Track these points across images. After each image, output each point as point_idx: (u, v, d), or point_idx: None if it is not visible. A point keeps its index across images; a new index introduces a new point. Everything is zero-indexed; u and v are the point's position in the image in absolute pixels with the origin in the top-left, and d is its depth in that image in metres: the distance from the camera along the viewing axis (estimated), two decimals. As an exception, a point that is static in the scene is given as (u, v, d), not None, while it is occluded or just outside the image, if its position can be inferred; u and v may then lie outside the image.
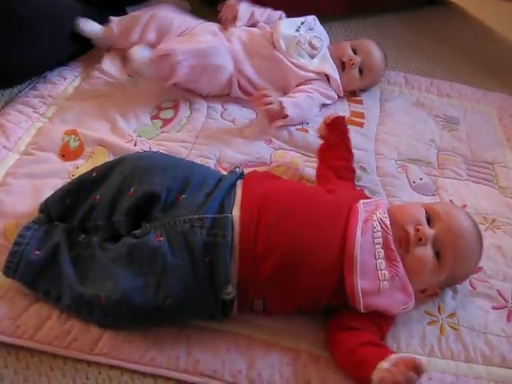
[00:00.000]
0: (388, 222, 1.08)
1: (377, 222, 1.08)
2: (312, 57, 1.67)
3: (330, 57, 1.70)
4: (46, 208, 1.14)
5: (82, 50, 1.72)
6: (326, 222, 1.08)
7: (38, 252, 1.05)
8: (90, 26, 1.63)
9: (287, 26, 1.66)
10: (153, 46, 1.61)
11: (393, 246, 1.06)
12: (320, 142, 1.43)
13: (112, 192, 1.09)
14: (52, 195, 1.16)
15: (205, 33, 1.64)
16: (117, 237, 1.07)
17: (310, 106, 1.60)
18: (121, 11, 1.83)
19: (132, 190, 1.08)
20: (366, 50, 1.74)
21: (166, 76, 1.54)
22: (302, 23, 1.69)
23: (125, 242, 1.04)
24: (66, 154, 1.35)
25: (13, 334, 1.00)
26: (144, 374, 1.00)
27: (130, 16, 1.69)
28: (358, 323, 1.04)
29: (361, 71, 1.73)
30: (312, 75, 1.66)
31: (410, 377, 0.92)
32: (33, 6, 1.48)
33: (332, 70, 1.68)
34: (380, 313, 1.05)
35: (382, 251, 1.06)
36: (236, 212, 1.05)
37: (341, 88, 1.70)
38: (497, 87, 1.99)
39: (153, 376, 1.00)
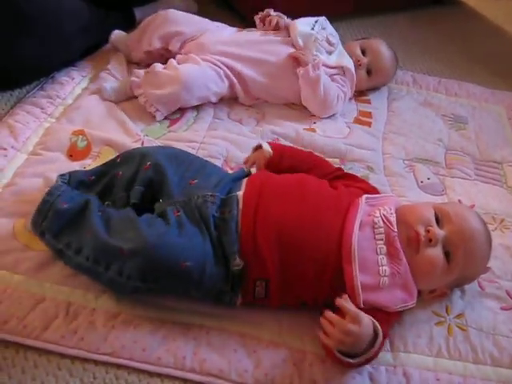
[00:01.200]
0: (392, 219, 1.08)
1: (379, 218, 1.08)
2: (330, 53, 1.67)
3: (345, 52, 1.70)
4: (68, 176, 1.18)
5: (90, 51, 1.72)
6: (324, 210, 1.10)
7: (66, 205, 1.08)
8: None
9: (303, 25, 1.65)
10: (159, 52, 1.66)
11: (397, 244, 1.06)
12: (327, 141, 1.42)
13: (133, 169, 1.16)
14: (76, 171, 1.22)
15: (200, 50, 1.63)
16: None
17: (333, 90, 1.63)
18: (127, 12, 1.84)
19: (148, 163, 1.15)
20: (375, 51, 1.74)
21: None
22: (316, 22, 1.69)
23: (152, 215, 1.09)
24: (74, 154, 1.36)
25: (20, 334, 1.00)
26: (151, 374, 1.00)
27: (139, 28, 1.71)
28: None
29: (369, 71, 1.72)
30: (331, 71, 1.66)
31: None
32: (39, 7, 1.49)
33: (350, 64, 1.68)
34: (381, 311, 1.05)
35: (385, 247, 1.06)
36: (241, 193, 1.12)
37: (354, 82, 1.70)
38: (505, 86, 1.99)
39: (159, 375, 1.00)
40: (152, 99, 1.50)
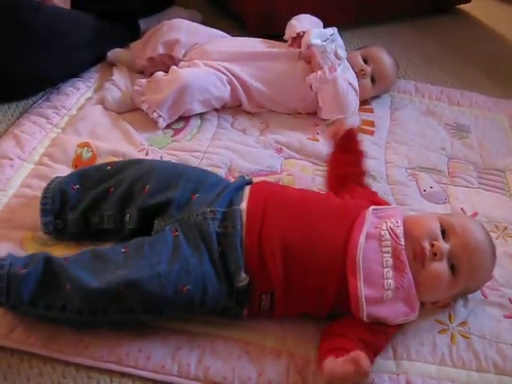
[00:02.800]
0: (399, 232, 1.08)
1: (386, 231, 1.08)
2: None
3: (349, 66, 1.70)
4: (51, 192, 1.17)
5: (95, 62, 1.74)
6: (330, 221, 1.10)
7: (24, 269, 0.99)
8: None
9: (316, 36, 1.65)
10: (162, 60, 1.67)
11: (403, 257, 1.06)
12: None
13: (126, 186, 1.14)
14: (59, 180, 1.20)
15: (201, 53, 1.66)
16: (115, 231, 1.14)
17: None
18: (132, 23, 1.86)
19: (147, 187, 1.13)
20: (377, 58, 1.74)
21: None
22: (331, 35, 1.68)
23: (140, 239, 1.07)
24: (79, 164, 1.36)
25: (25, 342, 1.01)
26: (155, 382, 1.00)
27: (144, 36, 1.74)
28: (350, 330, 1.04)
29: (373, 80, 1.73)
30: None
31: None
32: (45, 18, 1.51)
33: (353, 79, 1.68)
34: (380, 323, 1.05)
35: (391, 260, 1.06)
36: (244, 205, 1.10)
37: (358, 96, 1.70)
38: (508, 95, 1.99)
39: (164, 383, 1.00)
40: (154, 104, 1.51)
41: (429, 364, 1.09)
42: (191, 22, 1.76)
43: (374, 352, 1.04)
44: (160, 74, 1.56)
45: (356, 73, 1.70)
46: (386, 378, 1.05)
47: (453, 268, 1.08)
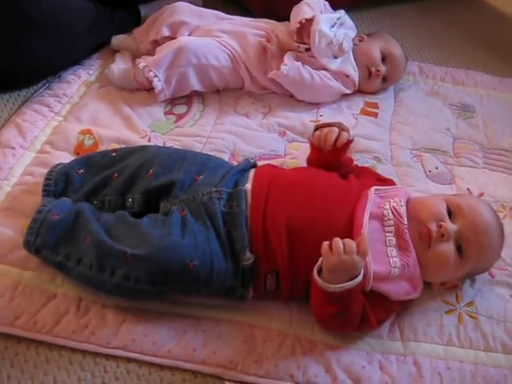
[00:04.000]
0: (402, 211, 1.08)
1: (389, 211, 1.08)
2: (336, 57, 1.64)
3: (352, 58, 1.67)
4: (55, 174, 1.18)
5: (96, 49, 1.73)
6: (334, 201, 1.10)
7: (58, 216, 1.07)
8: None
9: (325, 23, 1.61)
10: (168, 41, 1.63)
11: (406, 236, 1.06)
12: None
13: (131, 171, 1.16)
14: (64, 165, 1.22)
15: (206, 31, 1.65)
16: None
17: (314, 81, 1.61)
18: (133, 9, 1.84)
19: (151, 171, 1.14)
20: (394, 58, 1.70)
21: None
22: (338, 19, 1.66)
23: (153, 215, 1.09)
24: (81, 152, 1.36)
25: (31, 329, 1.01)
26: (161, 367, 1.01)
27: (147, 20, 1.73)
28: None
29: (384, 78, 1.71)
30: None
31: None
32: (46, 7, 1.49)
33: (353, 71, 1.66)
34: (380, 296, 1.05)
35: (394, 239, 1.06)
36: (248, 186, 1.11)
37: (356, 87, 1.69)
38: (513, 74, 1.97)
39: (170, 368, 1.01)
40: (151, 63, 1.52)
41: (436, 344, 1.09)
42: (193, 6, 1.75)
43: (373, 315, 1.04)
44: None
45: (369, 69, 1.67)
46: (393, 359, 1.06)
47: (460, 249, 1.08)
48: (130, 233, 1.04)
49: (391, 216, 1.07)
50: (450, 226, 1.07)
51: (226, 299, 1.08)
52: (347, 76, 1.66)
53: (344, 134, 1.21)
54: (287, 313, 1.10)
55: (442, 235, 1.06)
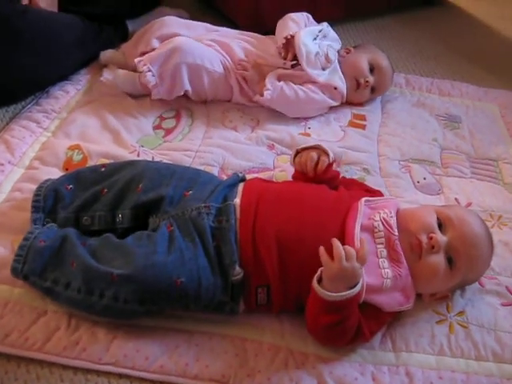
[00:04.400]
0: (392, 222, 1.09)
1: (379, 222, 1.08)
2: (324, 68, 1.65)
3: (339, 69, 1.69)
4: (44, 190, 1.18)
5: (84, 64, 1.73)
6: (323, 214, 1.10)
7: (44, 242, 1.07)
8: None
9: (307, 36, 1.63)
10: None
11: (397, 247, 1.07)
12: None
13: (120, 186, 1.16)
14: (53, 181, 1.22)
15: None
16: (105, 233, 1.12)
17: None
18: (121, 25, 1.85)
19: (140, 186, 1.14)
20: (381, 69, 1.72)
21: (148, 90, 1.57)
22: (320, 31, 1.67)
23: (139, 232, 1.08)
24: (70, 167, 1.35)
25: (22, 347, 1.00)
26: (153, 382, 1.00)
27: (136, 34, 1.74)
28: None
29: (372, 89, 1.73)
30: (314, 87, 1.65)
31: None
32: (33, 22, 1.50)
33: (340, 83, 1.67)
34: (373, 308, 1.05)
35: (385, 251, 1.06)
36: (237, 200, 1.11)
37: (344, 99, 1.70)
38: (498, 84, 1.99)
39: (162, 383, 1.00)
40: (146, 59, 1.53)
41: (428, 355, 1.09)
42: (181, 19, 1.76)
43: (367, 326, 1.05)
44: None
45: (357, 80, 1.69)
46: (385, 369, 1.06)
47: (450, 260, 1.08)
48: (114, 254, 1.03)
49: (381, 228, 1.08)
50: (441, 238, 1.07)
51: (216, 314, 1.08)
52: (335, 88, 1.66)
53: (323, 159, 1.23)
54: (279, 326, 1.09)
55: (433, 247, 1.06)
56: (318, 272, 1.01)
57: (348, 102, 1.73)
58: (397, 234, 1.08)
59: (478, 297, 1.20)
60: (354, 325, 1.03)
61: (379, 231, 1.08)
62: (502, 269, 1.26)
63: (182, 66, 1.54)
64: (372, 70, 1.71)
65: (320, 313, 1.01)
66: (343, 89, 1.68)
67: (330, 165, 1.24)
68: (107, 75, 1.65)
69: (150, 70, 1.52)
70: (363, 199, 1.13)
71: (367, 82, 1.69)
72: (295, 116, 1.64)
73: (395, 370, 1.06)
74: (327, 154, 1.24)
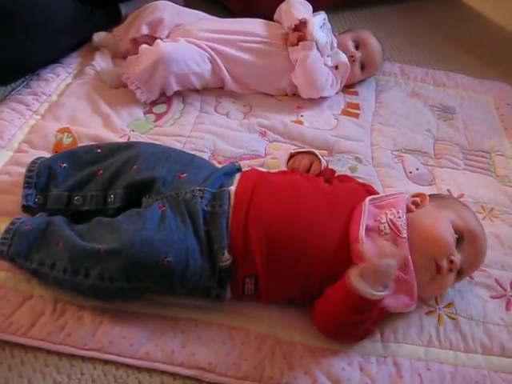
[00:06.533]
0: (400, 224, 1.06)
1: (385, 224, 1.07)
2: (328, 55, 1.65)
3: (339, 49, 1.69)
4: (37, 167, 1.18)
5: (75, 47, 1.71)
6: (320, 210, 1.09)
7: (30, 226, 1.07)
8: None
9: (317, 25, 1.62)
10: (146, 41, 1.62)
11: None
12: (314, 133, 1.42)
13: (114, 168, 1.15)
14: (47, 158, 1.21)
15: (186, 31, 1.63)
16: (96, 213, 1.12)
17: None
18: (113, 8, 1.83)
19: (135, 167, 1.13)
20: (367, 44, 1.73)
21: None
22: (324, 19, 1.67)
23: (129, 211, 1.08)
24: (59, 150, 1.32)
25: (6, 331, 0.99)
26: (139, 369, 0.99)
27: (128, 18, 1.71)
28: None
29: (362, 66, 1.72)
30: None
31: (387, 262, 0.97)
32: (23, 3, 1.47)
33: (345, 59, 1.68)
34: (380, 310, 1.05)
35: None
36: (233, 188, 1.10)
37: (347, 76, 1.70)
38: (493, 76, 1.99)
39: (148, 370, 0.99)
40: (133, 76, 1.50)
41: (416, 346, 1.09)
42: (174, 4, 1.73)
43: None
44: (145, 46, 1.55)
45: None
46: (373, 360, 1.05)
47: (459, 273, 1.09)
48: (103, 231, 1.03)
49: (388, 230, 1.06)
50: (459, 259, 1.07)
51: (203, 300, 1.07)
52: (336, 68, 1.67)
53: (315, 167, 1.24)
54: (267, 314, 1.09)
55: (451, 269, 1.06)
56: (354, 268, 0.98)
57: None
58: (404, 236, 1.06)
59: (468, 289, 1.20)
60: (371, 326, 1.04)
61: (385, 234, 1.06)
62: (492, 261, 1.26)
63: (169, 77, 1.51)
64: (357, 47, 1.72)
65: (349, 311, 0.99)
66: (347, 61, 1.67)
67: (321, 172, 1.24)
68: (97, 64, 1.63)
69: (138, 87, 1.51)
70: (367, 198, 1.11)
71: (353, 56, 1.69)
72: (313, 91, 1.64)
73: (383, 361, 1.05)
74: (320, 161, 1.24)
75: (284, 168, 1.32)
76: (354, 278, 0.97)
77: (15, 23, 1.45)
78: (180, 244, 1.01)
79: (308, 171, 1.24)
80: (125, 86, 1.56)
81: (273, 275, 1.04)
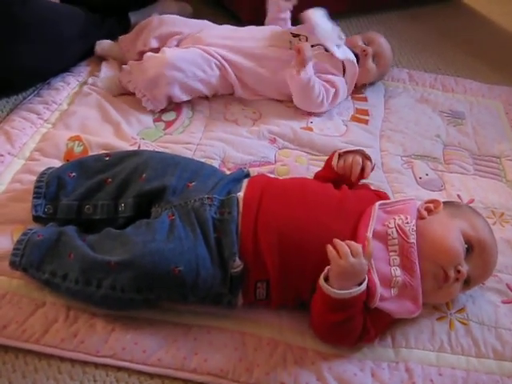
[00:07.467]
0: (408, 229, 1.06)
1: (393, 229, 1.07)
2: (338, 46, 1.66)
3: (347, 48, 1.70)
4: (47, 177, 1.19)
5: (86, 56, 1.72)
6: (329, 214, 1.09)
7: (42, 236, 1.08)
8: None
9: (319, 13, 1.65)
10: (155, 51, 1.62)
11: (412, 256, 1.05)
12: (324, 140, 1.41)
13: (124, 177, 1.15)
14: (56, 168, 1.22)
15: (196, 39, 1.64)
16: (107, 222, 1.13)
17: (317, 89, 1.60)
18: (123, 17, 1.84)
19: (144, 175, 1.14)
20: (376, 41, 1.74)
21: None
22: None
23: (139, 220, 1.08)
24: (70, 158, 1.34)
25: (19, 338, 1.00)
26: (151, 375, 0.99)
27: (134, 29, 1.72)
28: None
29: (374, 59, 1.73)
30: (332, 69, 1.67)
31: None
32: (35, 12, 1.49)
33: (353, 59, 1.68)
34: (384, 315, 1.05)
35: (398, 258, 1.05)
36: (241, 194, 1.11)
37: (355, 78, 1.70)
38: (502, 81, 1.99)
39: (160, 377, 0.99)
40: (140, 85, 1.52)
41: (428, 351, 1.09)
42: (182, 17, 1.74)
43: (373, 328, 1.04)
44: (150, 53, 1.56)
45: (357, 55, 1.70)
46: (385, 366, 1.05)
47: (466, 282, 1.09)
48: (114, 244, 1.04)
49: (395, 235, 1.06)
50: (466, 269, 1.07)
51: (215, 307, 1.07)
52: (348, 64, 1.67)
53: (368, 165, 1.23)
54: (278, 320, 1.09)
55: (457, 279, 1.06)
56: (325, 270, 1.00)
57: (356, 85, 1.74)
58: (412, 241, 1.06)
59: (479, 294, 1.19)
60: (359, 324, 1.02)
61: (393, 238, 1.06)
62: (503, 266, 1.26)
63: (173, 86, 1.52)
64: (367, 44, 1.73)
65: (327, 311, 1.00)
66: (355, 61, 1.68)
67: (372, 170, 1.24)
68: (103, 74, 1.64)
69: (144, 96, 1.52)
70: (377, 203, 1.11)
71: (365, 50, 1.70)
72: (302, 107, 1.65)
73: (395, 366, 1.05)
74: (368, 159, 1.24)
75: (294, 175, 1.33)
76: (320, 281, 0.99)
77: (26, 33, 1.47)
78: (190, 253, 1.01)
79: (362, 169, 1.21)
80: (124, 93, 1.57)
81: (284, 278, 1.04)
